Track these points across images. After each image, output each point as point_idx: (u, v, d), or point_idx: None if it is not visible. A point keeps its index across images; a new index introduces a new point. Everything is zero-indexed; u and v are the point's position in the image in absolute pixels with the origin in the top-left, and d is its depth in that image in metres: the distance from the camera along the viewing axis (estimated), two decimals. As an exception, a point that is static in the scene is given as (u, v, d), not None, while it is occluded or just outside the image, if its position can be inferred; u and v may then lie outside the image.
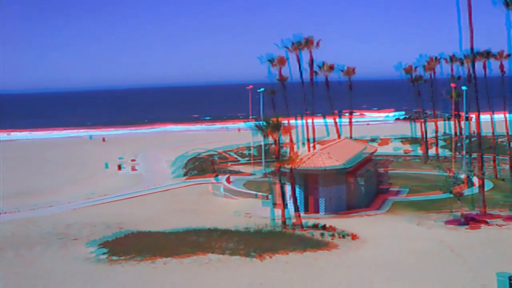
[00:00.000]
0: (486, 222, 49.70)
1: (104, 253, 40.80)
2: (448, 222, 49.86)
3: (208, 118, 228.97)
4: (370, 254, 40.31)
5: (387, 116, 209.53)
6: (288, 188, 54.48)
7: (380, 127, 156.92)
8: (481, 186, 55.00)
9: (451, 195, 52.34)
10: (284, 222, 49.72)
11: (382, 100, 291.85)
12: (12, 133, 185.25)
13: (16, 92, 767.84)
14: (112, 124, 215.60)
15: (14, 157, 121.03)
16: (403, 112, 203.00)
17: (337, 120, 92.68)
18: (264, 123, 49.03)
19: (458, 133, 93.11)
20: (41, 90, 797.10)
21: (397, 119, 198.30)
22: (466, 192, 56.74)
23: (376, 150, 78.66)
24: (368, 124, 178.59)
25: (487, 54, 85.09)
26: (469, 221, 49.57)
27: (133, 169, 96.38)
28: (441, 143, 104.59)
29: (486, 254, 40.06)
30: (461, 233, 46.45)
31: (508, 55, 77.79)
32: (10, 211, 62.05)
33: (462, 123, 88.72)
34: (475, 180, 63.97)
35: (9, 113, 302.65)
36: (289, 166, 51.83)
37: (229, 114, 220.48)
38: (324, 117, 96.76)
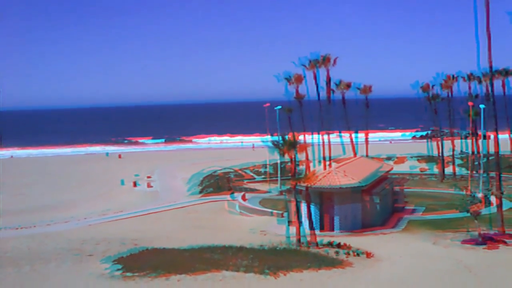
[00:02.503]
0: (505, 242, 48.99)
1: (118, 269, 40.75)
2: (465, 242, 49.22)
3: (223, 135, 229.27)
4: (385, 273, 39.91)
5: (404, 135, 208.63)
6: (303, 206, 54.28)
7: (396, 146, 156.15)
8: (499, 205, 54.33)
9: (468, 214, 51.67)
10: (299, 240, 49.47)
11: (399, 118, 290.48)
12: (29, 150, 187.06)
13: (31, 108, 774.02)
14: (129, 141, 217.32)
15: (32, 173, 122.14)
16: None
17: (353, 138, 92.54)
18: (281, 141, 49.06)
19: (475, 152, 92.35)
20: (57, 106, 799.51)
21: (414, 137, 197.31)
22: (484, 211, 56.07)
23: (392, 168, 78.27)
24: (391, 142, 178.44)
25: (506, 73, 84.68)
26: (486, 240, 48.87)
27: (149, 186, 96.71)
28: (458, 161, 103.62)
29: (505, 275, 39.46)
30: (478, 253, 45.83)
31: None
32: (27, 226, 62.55)
33: (480, 141, 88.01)
34: (493, 199, 63.26)
35: (27, 130, 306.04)
36: (305, 184, 51.68)
37: (245, 131, 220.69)
38: (341, 135, 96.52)
